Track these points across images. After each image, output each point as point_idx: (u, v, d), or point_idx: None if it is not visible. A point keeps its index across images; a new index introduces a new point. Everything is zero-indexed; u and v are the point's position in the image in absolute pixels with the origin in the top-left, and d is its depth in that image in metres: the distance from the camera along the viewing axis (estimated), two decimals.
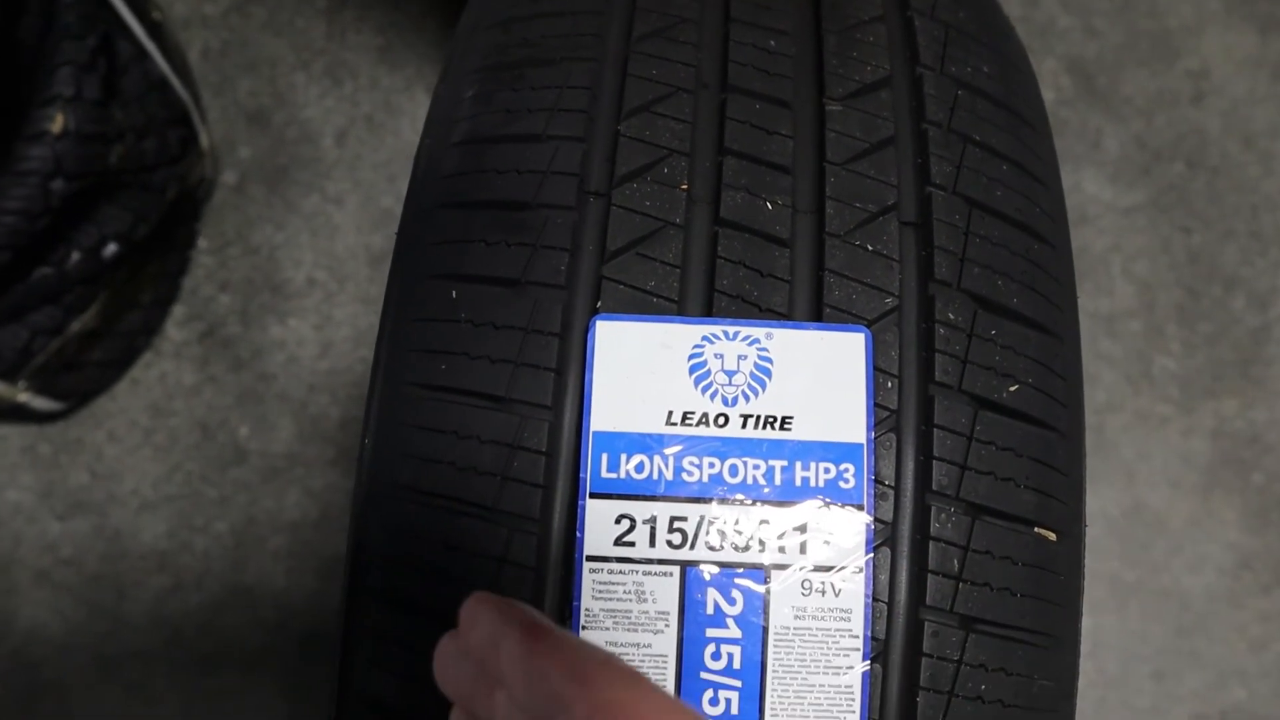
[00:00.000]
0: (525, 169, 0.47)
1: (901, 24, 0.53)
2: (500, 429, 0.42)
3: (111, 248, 1.08)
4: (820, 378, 0.43)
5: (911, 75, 0.51)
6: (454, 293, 0.45)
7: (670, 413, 0.42)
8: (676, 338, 0.43)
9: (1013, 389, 0.44)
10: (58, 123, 0.96)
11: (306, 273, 1.27)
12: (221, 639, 1.19)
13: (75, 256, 1.06)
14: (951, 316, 0.44)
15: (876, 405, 0.43)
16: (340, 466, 1.22)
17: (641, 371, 0.43)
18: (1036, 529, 0.44)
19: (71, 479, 1.23)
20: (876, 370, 0.43)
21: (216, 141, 1.29)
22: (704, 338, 0.43)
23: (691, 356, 0.43)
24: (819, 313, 0.44)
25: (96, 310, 1.13)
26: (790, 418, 0.42)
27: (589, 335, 0.43)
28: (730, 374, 0.43)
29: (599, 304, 0.44)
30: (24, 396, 1.12)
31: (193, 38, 1.34)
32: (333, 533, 1.20)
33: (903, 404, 0.43)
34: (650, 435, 0.42)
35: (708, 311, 0.44)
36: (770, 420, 0.42)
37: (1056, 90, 1.36)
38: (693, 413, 0.42)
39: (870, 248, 0.45)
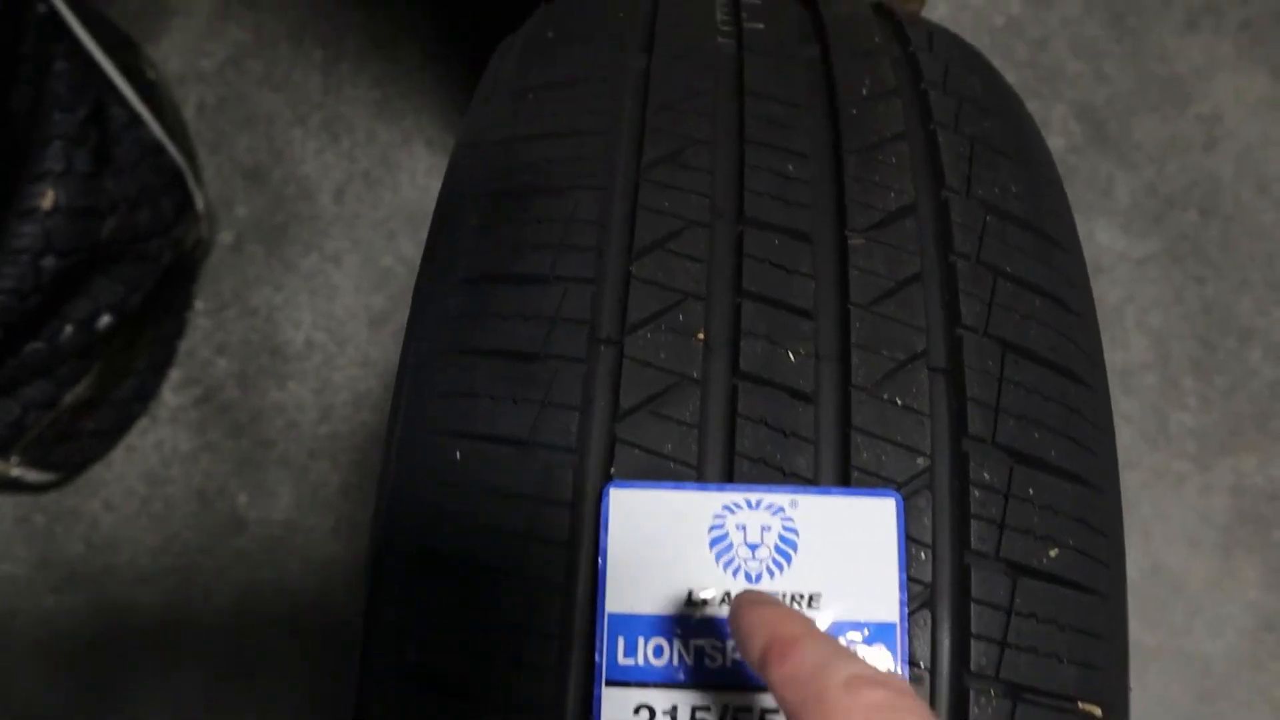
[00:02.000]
0: (532, 314, 0.44)
1: (925, 140, 0.51)
2: (509, 609, 0.40)
3: (105, 319, 1.06)
4: (849, 549, 0.40)
5: (937, 200, 0.48)
6: (459, 453, 0.42)
7: (691, 592, 0.40)
8: (695, 507, 0.40)
9: (1053, 553, 0.42)
10: (48, 199, 0.94)
11: (305, 334, 1.25)
12: (223, 713, 1.16)
13: (68, 330, 1.03)
14: (986, 476, 0.42)
15: (910, 579, 0.40)
16: (342, 535, 1.19)
17: (659, 545, 0.40)
18: (1080, 704, 0.41)
19: (67, 550, 1.20)
20: (908, 540, 0.41)
21: (213, 200, 1.27)
22: (725, 506, 0.40)
23: (712, 528, 0.40)
24: (846, 476, 0.41)
25: (90, 381, 1.11)
26: (818, 595, 0.40)
27: (603, 504, 0.40)
28: (753, 547, 0.40)
29: (612, 469, 0.41)
30: (16, 471, 1.09)
31: (188, 93, 1.32)
32: (334, 603, 1.18)
33: (937, 577, 0.41)
34: (670, 617, 0.39)
35: (728, 476, 0.41)
36: (797, 598, 0.40)
37: (1066, 137, 1.34)
38: (715, 591, 0.40)
39: (899, 401, 0.42)
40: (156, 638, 1.17)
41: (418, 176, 1.29)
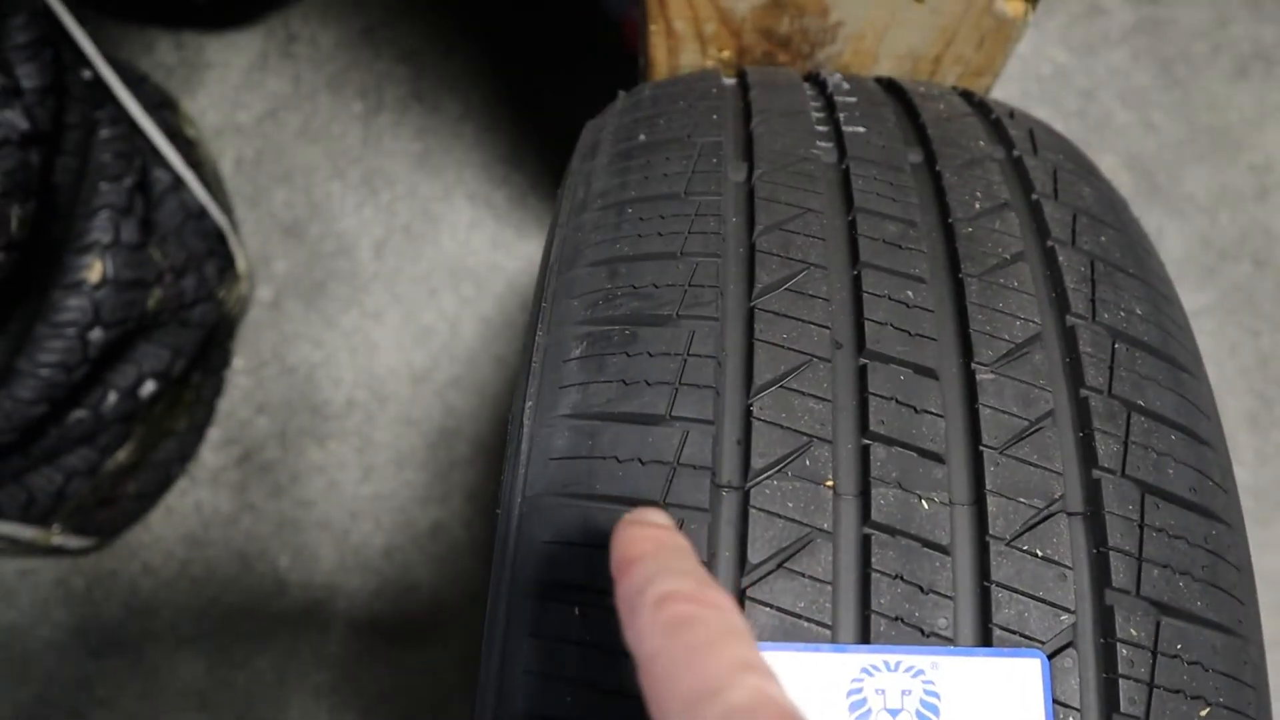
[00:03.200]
0: (649, 458, 0.42)
1: (1043, 259, 0.49)
2: None
3: (149, 386, 1.04)
4: (994, 713, 0.38)
5: (1063, 328, 0.46)
6: (577, 610, 0.40)
7: None
8: (832, 670, 0.38)
9: (1204, 714, 0.40)
10: (95, 270, 0.92)
11: (346, 392, 1.23)
12: None
13: (112, 398, 1.02)
14: (1133, 633, 0.40)
15: None
16: (384, 598, 1.17)
17: None
18: None
19: (106, 614, 1.18)
20: (1055, 704, 0.39)
21: (251, 256, 1.25)
22: (863, 670, 0.38)
23: (851, 693, 0.38)
24: (987, 634, 0.39)
25: (132, 445, 1.09)
26: None
27: None
28: (894, 713, 0.38)
29: None
30: (58, 539, 1.08)
31: (225, 147, 1.30)
32: (378, 669, 1.16)
33: None
34: None
35: (864, 637, 0.39)
36: None
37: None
38: None
39: (1039, 553, 0.40)
40: (197, 702, 1.15)
41: (459, 231, 1.27)
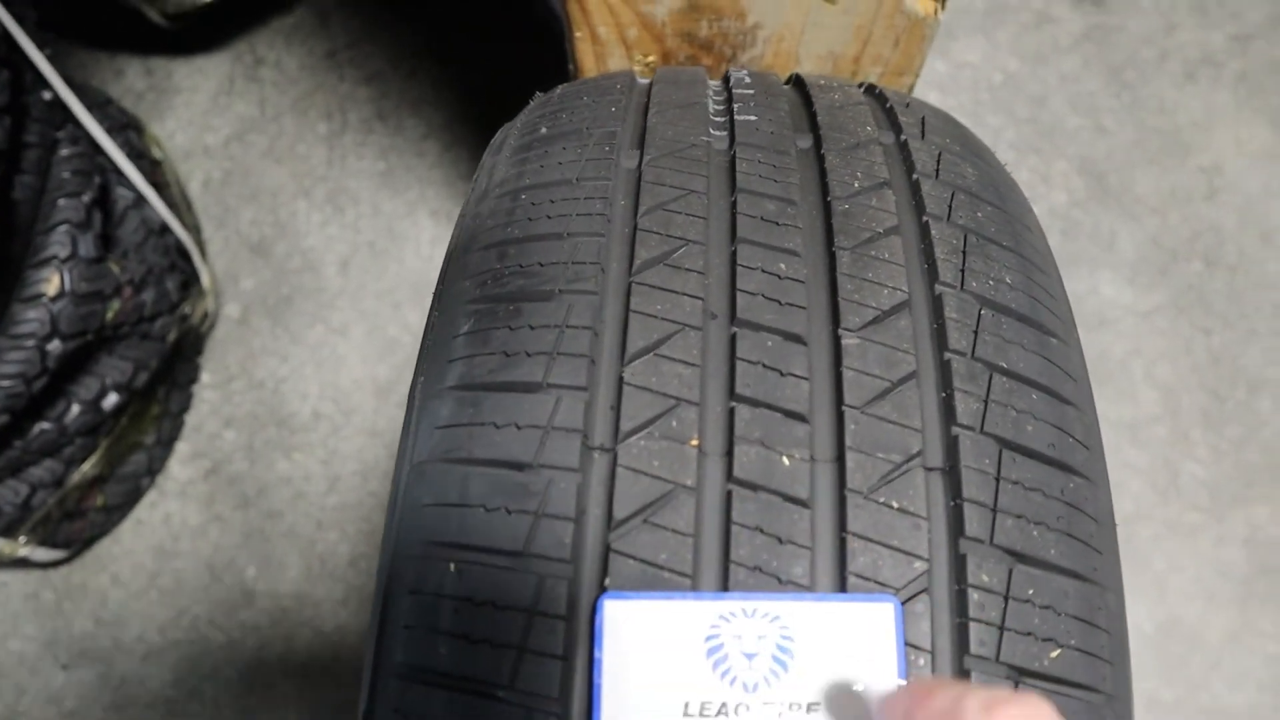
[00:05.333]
0: (525, 423, 0.44)
1: (918, 233, 0.51)
2: None
3: (112, 398, 1.06)
4: (847, 656, 0.40)
5: (931, 296, 0.48)
6: (452, 565, 0.42)
7: (687, 704, 0.39)
8: (691, 617, 0.40)
9: (1054, 655, 0.41)
10: (53, 284, 0.95)
11: (312, 405, 1.25)
12: None
13: (75, 410, 1.04)
14: (985, 579, 0.41)
15: None
16: (350, 605, 1.19)
17: (654, 656, 0.40)
18: None
19: (75, 626, 1.20)
20: (907, 645, 0.40)
21: (218, 274, 1.28)
22: (720, 616, 0.40)
23: (709, 638, 0.40)
24: (843, 582, 0.41)
25: (98, 458, 1.11)
26: (816, 704, 0.39)
27: (597, 617, 0.40)
28: (750, 656, 0.40)
29: (607, 580, 0.41)
30: (24, 551, 1.09)
31: (194, 169, 1.33)
32: (344, 675, 1.17)
33: None
34: None
35: (724, 585, 0.41)
36: (794, 706, 0.39)
37: (1068, 192, 1.34)
38: (711, 703, 0.39)
39: (895, 505, 0.42)
40: (165, 712, 1.17)
41: (422, 247, 1.29)
